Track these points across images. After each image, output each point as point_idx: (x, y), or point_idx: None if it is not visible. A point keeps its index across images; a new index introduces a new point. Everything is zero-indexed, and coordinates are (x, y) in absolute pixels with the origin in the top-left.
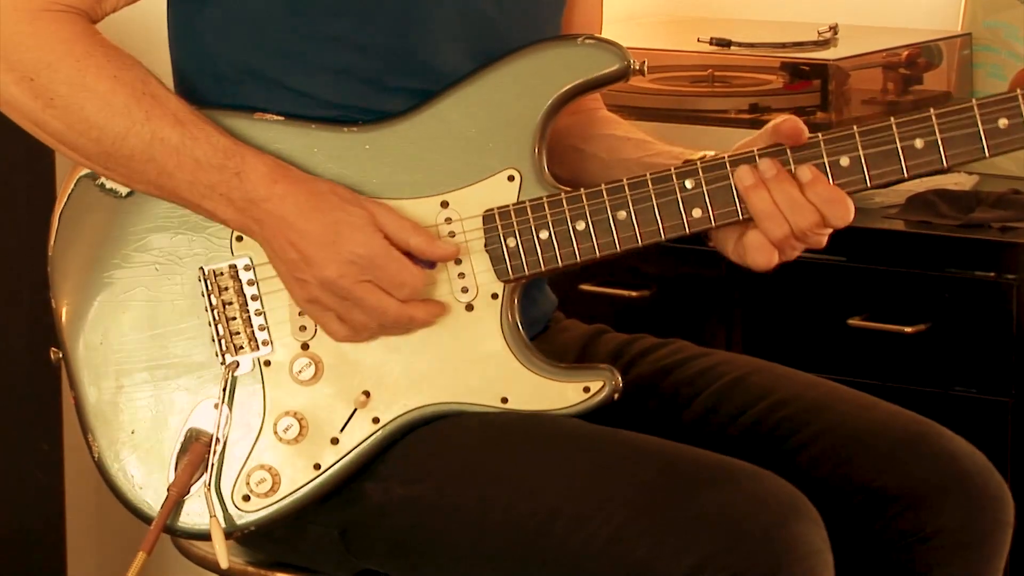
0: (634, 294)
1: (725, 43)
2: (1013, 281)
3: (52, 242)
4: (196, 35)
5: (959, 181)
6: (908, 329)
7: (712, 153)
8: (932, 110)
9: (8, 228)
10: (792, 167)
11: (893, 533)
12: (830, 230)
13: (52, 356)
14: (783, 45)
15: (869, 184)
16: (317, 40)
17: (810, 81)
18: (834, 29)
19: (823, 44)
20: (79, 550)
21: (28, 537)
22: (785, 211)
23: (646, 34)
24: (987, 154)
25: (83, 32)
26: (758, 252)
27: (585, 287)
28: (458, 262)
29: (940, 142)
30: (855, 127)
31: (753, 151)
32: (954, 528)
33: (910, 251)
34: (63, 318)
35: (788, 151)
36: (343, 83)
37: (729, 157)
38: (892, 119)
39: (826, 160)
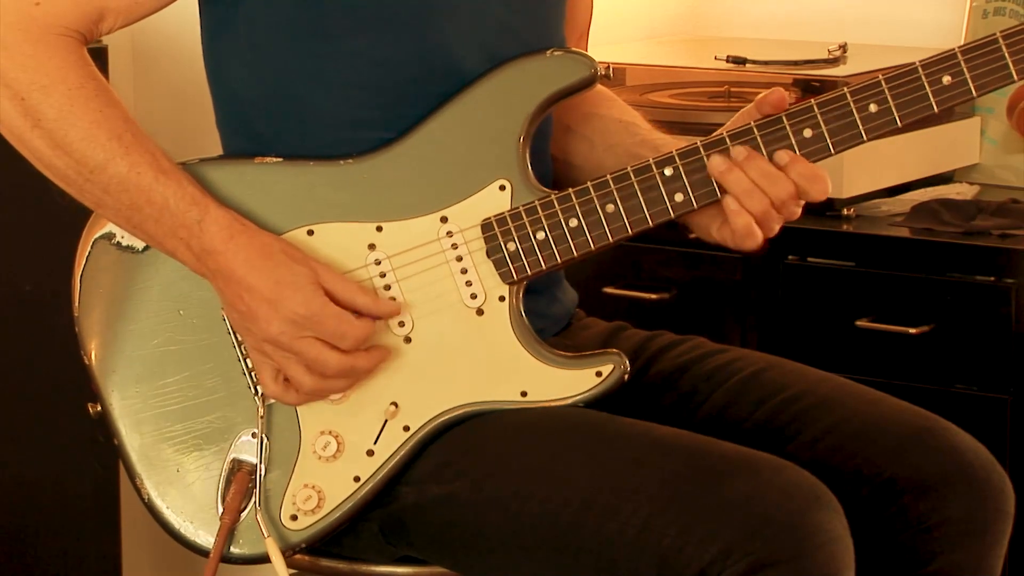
0: (655, 296)
1: (741, 61)
2: (1012, 285)
3: (76, 303)
4: (224, 65)
5: (961, 191)
6: (913, 330)
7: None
8: (880, 76)
9: (72, 236)
10: (764, 150)
11: (901, 522)
12: (803, 201)
13: (91, 411)
14: (795, 63)
15: (833, 151)
16: (338, 58)
17: None
18: (843, 48)
19: (833, 62)
20: (134, 542)
21: (83, 530)
22: (762, 186)
23: (666, 52)
24: (935, 109)
25: (78, 62)
26: (745, 235)
27: (608, 290)
28: (464, 271)
29: (892, 102)
30: (813, 101)
31: (724, 135)
32: (959, 518)
33: (915, 257)
34: (96, 373)
35: (756, 132)
36: (366, 98)
37: (702, 143)
38: (845, 89)
39: (791, 134)
